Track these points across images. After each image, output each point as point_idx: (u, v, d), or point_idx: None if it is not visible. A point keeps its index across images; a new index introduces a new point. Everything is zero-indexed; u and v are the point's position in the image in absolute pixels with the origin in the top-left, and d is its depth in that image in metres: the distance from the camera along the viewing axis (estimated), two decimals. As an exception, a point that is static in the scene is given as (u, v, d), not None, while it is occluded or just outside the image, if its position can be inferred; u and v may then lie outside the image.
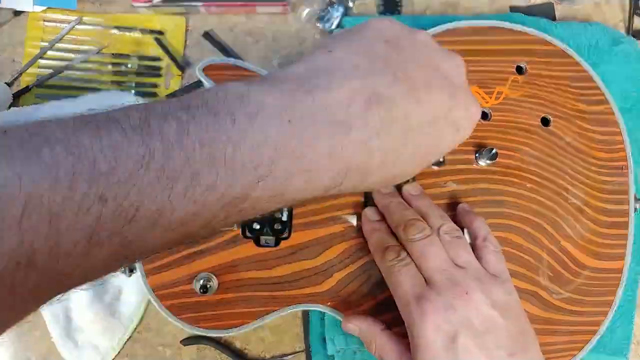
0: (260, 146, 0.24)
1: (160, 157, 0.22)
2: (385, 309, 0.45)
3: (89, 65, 0.57)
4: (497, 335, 0.34)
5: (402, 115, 0.28)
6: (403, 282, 0.37)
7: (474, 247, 0.40)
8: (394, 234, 0.41)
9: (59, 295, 0.23)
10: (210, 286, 0.45)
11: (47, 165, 0.20)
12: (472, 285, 0.35)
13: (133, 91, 0.55)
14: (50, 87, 0.56)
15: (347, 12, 0.57)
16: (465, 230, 0.41)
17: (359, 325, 0.42)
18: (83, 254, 0.20)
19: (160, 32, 0.57)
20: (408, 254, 0.39)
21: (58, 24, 0.57)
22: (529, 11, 0.57)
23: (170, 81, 0.57)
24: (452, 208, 0.46)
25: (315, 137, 0.25)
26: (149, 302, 0.54)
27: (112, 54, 0.57)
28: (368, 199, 0.46)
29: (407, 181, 0.44)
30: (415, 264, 0.38)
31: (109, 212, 0.21)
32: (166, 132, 0.22)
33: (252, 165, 0.24)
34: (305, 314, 0.54)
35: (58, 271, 0.20)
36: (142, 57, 0.57)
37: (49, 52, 0.56)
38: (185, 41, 0.57)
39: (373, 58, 0.28)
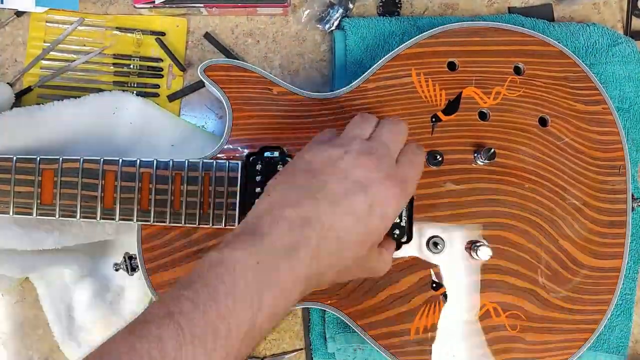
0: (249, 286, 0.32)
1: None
2: (383, 309, 0.46)
3: (91, 66, 0.57)
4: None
5: (329, 227, 0.34)
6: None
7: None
8: None
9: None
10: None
11: None
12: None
13: (135, 92, 0.56)
14: (52, 87, 0.56)
15: (347, 13, 0.57)
16: None
17: None
18: None
19: (162, 33, 0.57)
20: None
21: (60, 25, 0.57)
22: (528, 12, 0.58)
23: (172, 82, 0.57)
24: (450, 207, 0.47)
25: (275, 265, 0.33)
26: (150, 300, 0.55)
27: (114, 54, 0.57)
28: None
29: None
30: None
31: None
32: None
33: (250, 298, 0.32)
34: (306, 313, 0.54)
35: None
36: (143, 58, 0.57)
37: (51, 53, 0.57)
38: (187, 42, 0.58)
39: (298, 190, 0.36)
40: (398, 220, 0.45)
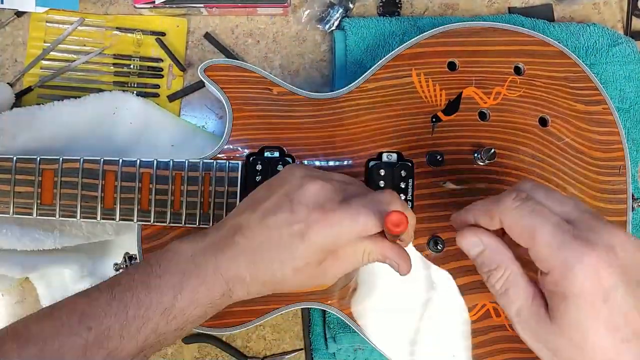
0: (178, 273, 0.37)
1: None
2: (381, 310, 0.46)
3: (91, 66, 0.57)
4: None
5: (254, 236, 0.37)
6: (544, 221, 0.31)
7: None
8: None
9: None
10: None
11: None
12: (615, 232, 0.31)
13: (135, 92, 0.56)
14: (53, 87, 0.56)
15: (347, 13, 0.57)
16: None
17: (486, 242, 0.35)
18: None
19: (162, 33, 0.57)
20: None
21: (60, 25, 0.57)
22: (528, 12, 0.58)
23: (172, 82, 0.57)
24: (452, 208, 0.47)
25: (206, 255, 0.38)
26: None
27: (114, 54, 0.57)
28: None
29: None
30: None
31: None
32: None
33: (175, 282, 0.37)
34: (306, 313, 0.54)
35: None
36: (143, 58, 0.57)
37: (51, 53, 0.57)
38: (187, 42, 0.58)
39: (248, 201, 0.40)
40: None
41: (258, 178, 0.46)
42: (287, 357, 0.54)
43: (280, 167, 0.46)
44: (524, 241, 0.32)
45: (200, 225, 0.46)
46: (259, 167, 0.46)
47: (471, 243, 0.35)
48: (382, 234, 0.38)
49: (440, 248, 0.46)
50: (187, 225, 0.46)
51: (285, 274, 0.37)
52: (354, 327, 0.46)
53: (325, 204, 0.37)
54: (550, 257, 0.30)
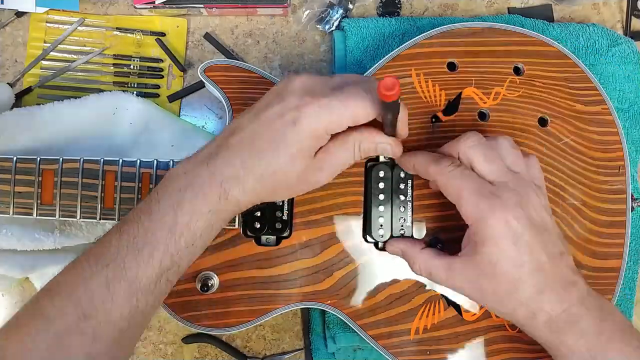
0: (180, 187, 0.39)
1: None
2: (383, 309, 0.46)
3: (91, 66, 0.57)
4: (550, 235, 0.39)
5: (247, 134, 0.39)
6: (467, 183, 0.39)
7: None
8: None
9: None
10: (211, 285, 0.45)
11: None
12: (530, 189, 0.39)
13: (135, 92, 0.56)
14: (53, 87, 0.57)
15: (346, 13, 0.57)
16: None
17: (400, 247, 0.45)
18: None
19: (162, 34, 0.57)
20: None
21: (60, 25, 0.57)
22: (527, 13, 0.58)
23: (172, 82, 0.57)
24: (450, 207, 0.47)
25: (199, 166, 0.39)
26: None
27: (114, 55, 0.57)
28: (367, 197, 0.47)
29: None
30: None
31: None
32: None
33: (173, 197, 0.38)
34: (305, 313, 0.54)
35: None
36: (143, 58, 0.57)
37: (51, 53, 0.57)
38: (187, 42, 0.58)
39: (254, 109, 0.40)
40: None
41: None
42: (286, 357, 0.55)
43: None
44: (453, 199, 0.40)
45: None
46: (258, 167, 0.46)
47: (393, 251, 0.46)
48: (372, 125, 0.39)
49: (440, 248, 0.46)
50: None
51: (280, 164, 0.38)
52: (353, 327, 0.46)
53: (315, 91, 0.38)
54: (471, 212, 0.38)
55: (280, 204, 0.46)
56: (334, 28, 0.57)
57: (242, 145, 0.38)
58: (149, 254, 0.37)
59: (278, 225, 0.46)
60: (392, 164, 0.47)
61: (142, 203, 0.39)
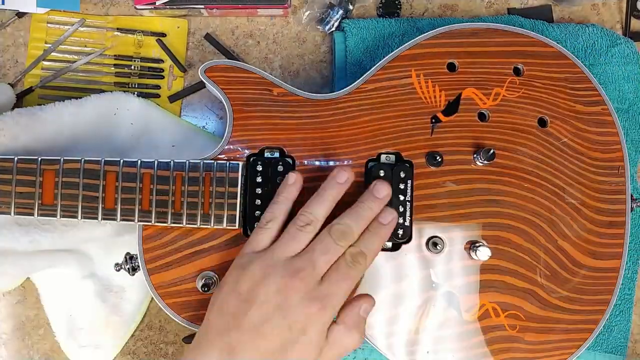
0: None
1: None
2: (381, 310, 0.46)
3: (92, 67, 0.57)
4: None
5: (252, 355, 0.37)
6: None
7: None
8: None
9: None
10: (212, 284, 0.45)
11: None
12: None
13: (135, 92, 0.56)
14: (53, 88, 0.57)
15: (346, 14, 0.57)
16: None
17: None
18: None
19: (163, 34, 0.57)
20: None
21: (61, 26, 0.57)
22: (527, 13, 0.58)
23: (173, 83, 0.57)
24: (450, 208, 0.47)
25: None
26: (151, 300, 0.55)
27: (115, 55, 0.57)
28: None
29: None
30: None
31: None
32: None
33: None
34: (306, 313, 0.54)
35: None
36: (144, 59, 0.57)
37: (52, 54, 0.57)
38: (187, 43, 0.58)
39: (227, 317, 0.39)
40: (402, 221, 0.45)
41: (258, 178, 0.46)
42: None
43: (280, 168, 0.46)
44: None
45: (200, 226, 0.46)
46: (259, 167, 0.46)
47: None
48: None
49: (440, 249, 0.46)
50: (187, 225, 0.46)
51: None
52: (353, 327, 0.46)
53: (305, 299, 0.38)
54: None
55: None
56: (334, 29, 0.57)
57: None
58: None
59: (278, 226, 0.46)
60: (392, 164, 0.47)
61: None
